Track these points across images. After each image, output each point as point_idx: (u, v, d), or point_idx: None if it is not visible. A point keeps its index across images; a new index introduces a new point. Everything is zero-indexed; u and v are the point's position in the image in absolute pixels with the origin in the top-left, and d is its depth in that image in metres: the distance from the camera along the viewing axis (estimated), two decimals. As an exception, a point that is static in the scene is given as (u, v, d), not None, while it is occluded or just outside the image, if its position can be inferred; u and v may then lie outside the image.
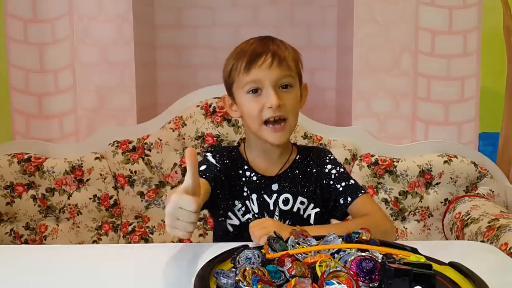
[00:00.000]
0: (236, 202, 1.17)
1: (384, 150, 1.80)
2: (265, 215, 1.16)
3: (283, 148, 1.19)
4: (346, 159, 1.76)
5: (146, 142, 1.75)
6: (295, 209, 1.17)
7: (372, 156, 1.77)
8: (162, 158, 1.75)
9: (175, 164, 1.76)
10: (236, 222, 1.17)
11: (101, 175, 1.72)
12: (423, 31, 1.80)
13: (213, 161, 1.17)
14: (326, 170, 1.19)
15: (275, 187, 1.17)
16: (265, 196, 1.17)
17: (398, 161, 1.76)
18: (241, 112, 1.16)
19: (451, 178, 1.74)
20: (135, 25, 1.80)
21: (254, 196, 1.17)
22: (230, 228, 1.17)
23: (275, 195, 1.17)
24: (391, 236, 1.11)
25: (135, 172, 1.73)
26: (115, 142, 1.75)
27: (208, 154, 1.20)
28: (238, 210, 1.17)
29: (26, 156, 1.71)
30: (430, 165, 1.75)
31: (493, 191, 1.76)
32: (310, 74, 2.09)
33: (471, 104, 1.83)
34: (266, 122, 1.10)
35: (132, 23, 1.78)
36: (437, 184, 1.76)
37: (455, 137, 1.83)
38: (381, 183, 1.77)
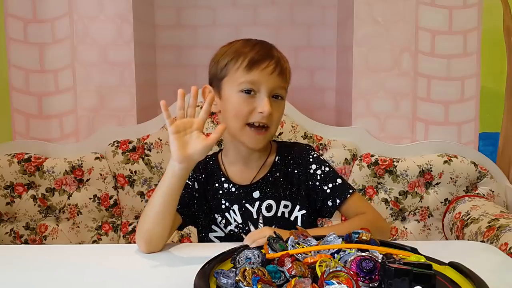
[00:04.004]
0: (216, 215, 1.16)
1: (384, 150, 1.80)
2: (249, 224, 1.14)
3: (260, 150, 1.16)
4: (346, 159, 1.76)
5: (146, 142, 1.75)
6: (279, 214, 1.14)
7: (372, 156, 1.77)
8: (162, 158, 1.75)
9: (175, 164, 1.75)
10: (222, 234, 1.16)
11: (101, 175, 1.72)
12: (423, 31, 1.80)
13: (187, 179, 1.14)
14: (311, 171, 1.15)
15: (256, 194, 1.14)
16: (247, 205, 1.14)
17: (398, 161, 1.76)
18: (224, 108, 1.11)
19: (451, 178, 1.74)
20: (135, 25, 1.80)
21: (235, 207, 1.14)
22: (216, 240, 1.16)
23: (257, 203, 1.14)
24: (387, 233, 1.11)
25: (135, 172, 1.73)
26: (115, 142, 1.75)
27: None
28: (220, 223, 1.15)
29: (26, 156, 1.71)
30: (430, 165, 1.75)
31: (493, 191, 1.76)
32: (310, 74, 2.09)
33: (471, 104, 1.83)
34: (250, 124, 1.08)
35: (132, 23, 1.79)
36: (437, 184, 1.76)
37: (455, 137, 1.83)
38: (381, 183, 1.77)
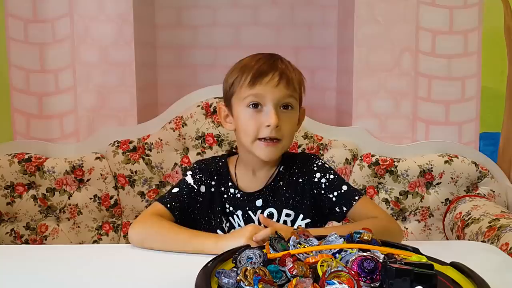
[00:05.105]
0: (222, 218, 1.16)
1: (385, 150, 1.80)
2: None
3: (271, 163, 1.16)
4: (346, 159, 1.76)
5: (147, 142, 1.75)
6: (281, 223, 1.13)
7: (372, 156, 1.77)
8: (162, 158, 1.75)
9: (175, 164, 1.76)
10: None
11: (101, 175, 1.72)
12: (423, 31, 1.80)
13: (192, 182, 1.15)
14: (316, 180, 1.15)
15: (259, 203, 1.14)
16: (249, 212, 1.14)
17: (398, 161, 1.76)
18: (236, 125, 1.13)
19: (452, 178, 1.74)
20: (135, 25, 1.80)
21: (239, 213, 1.15)
22: None
23: (259, 211, 1.14)
24: (400, 236, 1.09)
25: (136, 172, 1.73)
26: (116, 142, 1.75)
27: (189, 173, 1.17)
28: (225, 226, 1.16)
29: (26, 156, 1.71)
30: (431, 165, 1.75)
31: (493, 191, 1.76)
32: (310, 74, 2.09)
33: (472, 104, 1.83)
34: (260, 138, 1.09)
35: (132, 23, 1.78)
36: (437, 184, 1.76)
37: (456, 137, 1.83)
38: (382, 183, 1.77)
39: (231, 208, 1.15)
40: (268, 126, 1.06)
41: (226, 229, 1.16)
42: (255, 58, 1.13)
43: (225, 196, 1.16)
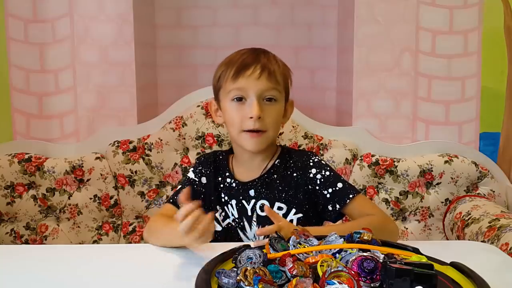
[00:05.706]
0: (218, 207, 1.19)
1: (385, 150, 1.80)
2: (244, 220, 1.17)
3: (264, 154, 1.19)
4: (346, 159, 1.76)
5: (147, 142, 1.75)
6: None
7: (372, 156, 1.77)
8: (162, 158, 1.75)
9: (175, 164, 1.76)
10: (219, 228, 1.18)
11: (101, 175, 1.72)
12: (423, 31, 1.80)
13: (193, 176, 1.21)
14: (311, 175, 1.16)
15: (252, 193, 1.17)
16: (243, 201, 1.17)
17: (398, 161, 1.76)
18: (224, 118, 1.17)
19: (452, 178, 1.74)
20: (135, 25, 1.80)
21: (233, 202, 1.17)
22: (215, 235, 1.17)
23: (252, 201, 1.16)
24: (397, 235, 1.10)
25: (136, 172, 1.73)
26: (116, 142, 1.75)
27: (191, 169, 1.24)
28: (219, 216, 1.19)
29: (26, 156, 1.71)
30: (431, 165, 1.75)
31: (493, 191, 1.76)
32: (310, 74, 2.09)
33: (472, 104, 1.83)
34: (245, 130, 1.12)
35: (132, 23, 1.78)
36: (437, 184, 1.76)
37: (456, 137, 1.83)
38: (382, 183, 1.77)
39: (226, 198, 1.18)
40: (251, 118, 1.09)
41: (220, 218, 1.18)
42: (240, 52, 1.17)
43: (221, 186, 1.20)
